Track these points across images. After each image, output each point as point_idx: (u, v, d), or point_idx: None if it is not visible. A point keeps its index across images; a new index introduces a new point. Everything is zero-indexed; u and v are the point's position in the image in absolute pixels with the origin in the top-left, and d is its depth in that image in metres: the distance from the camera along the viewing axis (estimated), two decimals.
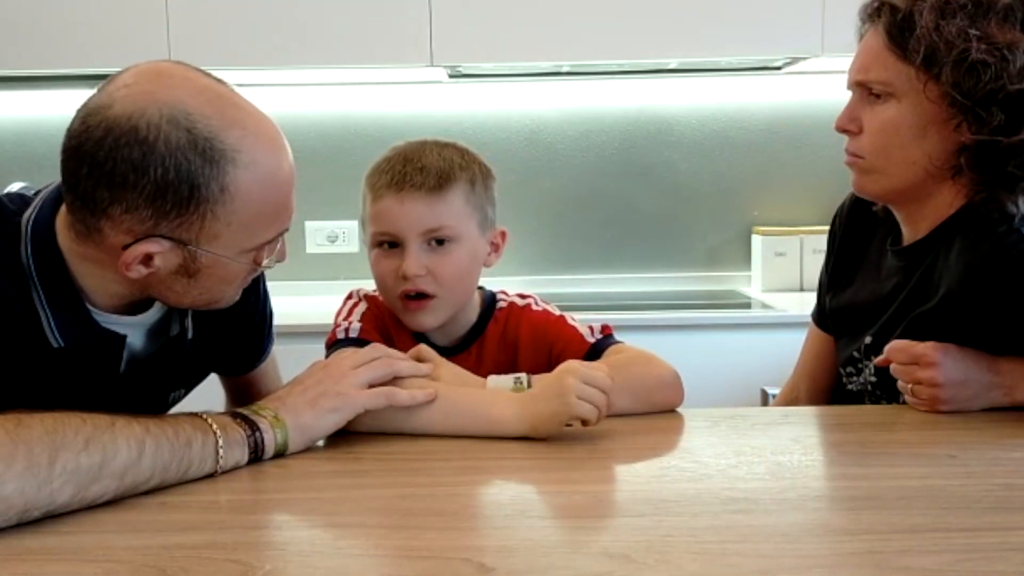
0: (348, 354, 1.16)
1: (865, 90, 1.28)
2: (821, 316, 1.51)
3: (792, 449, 1.10)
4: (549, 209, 2.90)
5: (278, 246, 1.11)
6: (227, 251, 1.04)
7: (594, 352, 1.29)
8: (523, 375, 1.20)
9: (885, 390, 1.30)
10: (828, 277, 1.49)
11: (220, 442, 0.99)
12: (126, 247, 1.00)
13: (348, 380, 1.12)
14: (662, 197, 2.90)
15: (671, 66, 2.72)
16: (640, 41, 2.54)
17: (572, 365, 1.13)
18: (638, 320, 2.39)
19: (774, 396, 1.99)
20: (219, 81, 1.03)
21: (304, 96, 2.84)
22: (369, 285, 1.37)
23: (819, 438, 1.16)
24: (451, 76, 2.76)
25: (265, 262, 1.10)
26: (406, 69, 2.62)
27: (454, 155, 1.28)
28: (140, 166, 0.96)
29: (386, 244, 1.26)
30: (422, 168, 1.24)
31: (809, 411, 1.33)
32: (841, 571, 0.74)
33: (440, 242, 1.25)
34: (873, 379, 1.33)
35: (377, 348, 1.18)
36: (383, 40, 2.52)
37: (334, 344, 1.27)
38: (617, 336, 1.33)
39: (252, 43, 2.50)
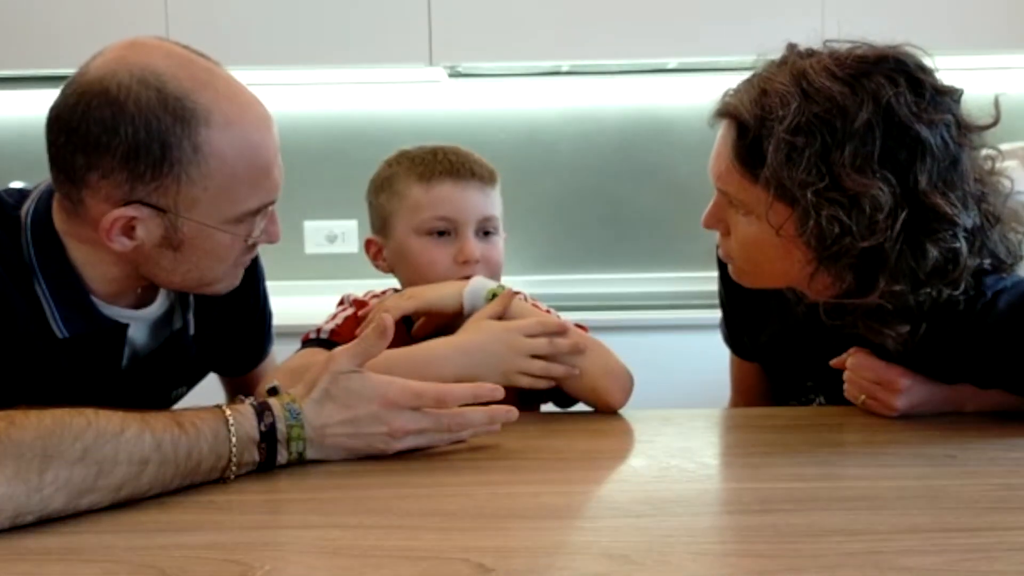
0: (412, 393, 1.03)
1: (727, 195, 1.18)
2: (736, 345, 1.47)
3: (791, 449, 1.10)
4: (549, 209, 2.90)
5: (265, 223, 1.09)
6: (209, 219, 1.03)
7: None
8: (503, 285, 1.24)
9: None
10: (739, 316, 1.42)
11: (232, 467, 0.96)
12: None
13: (400, 438, 1.02)
14: (662, 197, 2.89)
15: (670, 66, 2.72)
16: (640, 41, 2.54)
17: (515, 323, 1.17)
18: (638, 320, 2.39)
19: None
20: (199, 54, 1.04)
21: (304, 96, 2.84)
22: (362, 288, 1.37)
23: (819, 438, 1.16)
24: (450, 75, 2.76)
25: (253, 236, 1.08)
26: (405, 68, 2.62)
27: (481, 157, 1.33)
28: (111, 126, 0.97)
29: (436, 232, 1.28)
30: (476, 160, 1.30)
31: (808, 411, 1.33)
32: (841, 571, 0.74)
33: (486, 233, 1.30)
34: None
35: (441, 392, 1.04)
36: (382, 40, 2.52)
37: (306, 342, 1.28)
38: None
39: (252, 43, 2.50)
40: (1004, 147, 1.91)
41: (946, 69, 1.22)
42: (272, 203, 1.09)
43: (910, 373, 1.18)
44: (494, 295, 1.21)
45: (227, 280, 1.13)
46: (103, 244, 1.03)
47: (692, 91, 2.86)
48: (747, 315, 1.41)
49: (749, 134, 1.11)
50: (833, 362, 1.25)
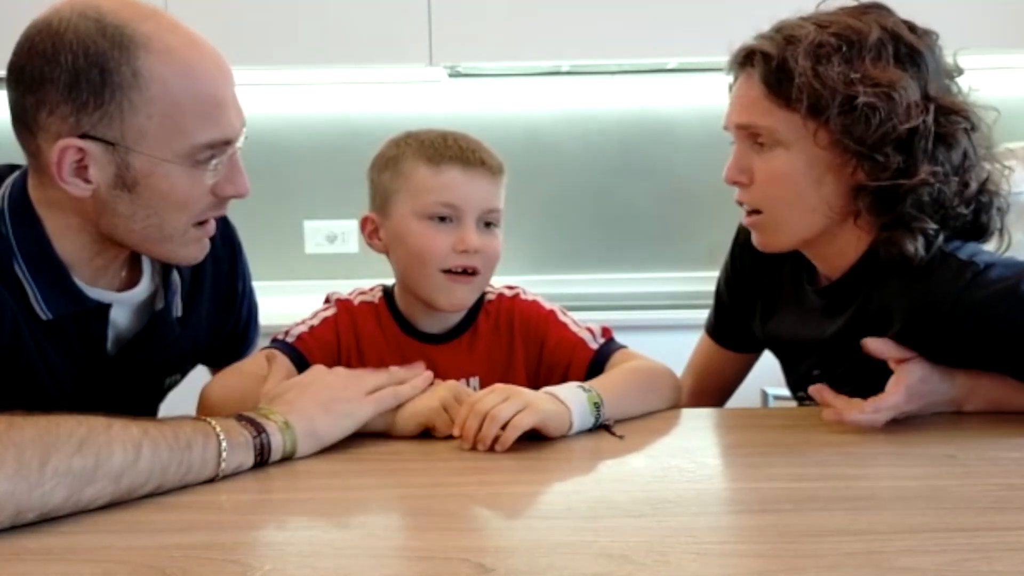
0: (344, 371, 1.17)
1: (750, 137, 1.21)
2: (719, 330, 1.49)
3: (792, 449, 1.10)
4: (549, 209, 2.90)
5: (226, 168, 1.07)
6: (159, 152, 1.02)
7: (599, 358, 1.28)
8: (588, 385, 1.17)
9: None
10: (745, 301, 1.42)
11: (223, 444, 0.97)
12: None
13: (355, 386, 1.12)
14: (662, 197, 2.89)
15: (670, 66, 2.72)
16: (640, 41, 2.54)
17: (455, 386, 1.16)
18: (638, 320, 2.39)
19: (775, 396, 1.99)
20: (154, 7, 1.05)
21: (304, 96, 2.83)
22: (349, 288, 1.36)
23: (819, 438, 1.16)
24: (450, 75, 2.76)
25: (211, 178, 1.06)
26: (405, 68, 2.62)
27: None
28: (51, 56, 0.99)
29: (438, 217, 1.24)
30: (486, 150, 1.30)
31: (809, 411, 1.33)
32: (841, 571, 0.74)
33: (488, 224, 1.27)
34: None
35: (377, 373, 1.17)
36: (382, 39, 2.52)
37: (272, 342, 1.28)
38: (618, 337, 1.33)
39: (251, 43, 2.49)
40: (1005, 147, 1.91)
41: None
42: (228, 143, 1.06)
43: (904, 380, 1.15)
44: (596, 405, 1.14)
45: (192, 245, 1.10)
46: (69, 204, 1.04)
47: (692, 91, 2.86)
48: (756, 299, 1.41)
49: (774, 60, 1.18)
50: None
